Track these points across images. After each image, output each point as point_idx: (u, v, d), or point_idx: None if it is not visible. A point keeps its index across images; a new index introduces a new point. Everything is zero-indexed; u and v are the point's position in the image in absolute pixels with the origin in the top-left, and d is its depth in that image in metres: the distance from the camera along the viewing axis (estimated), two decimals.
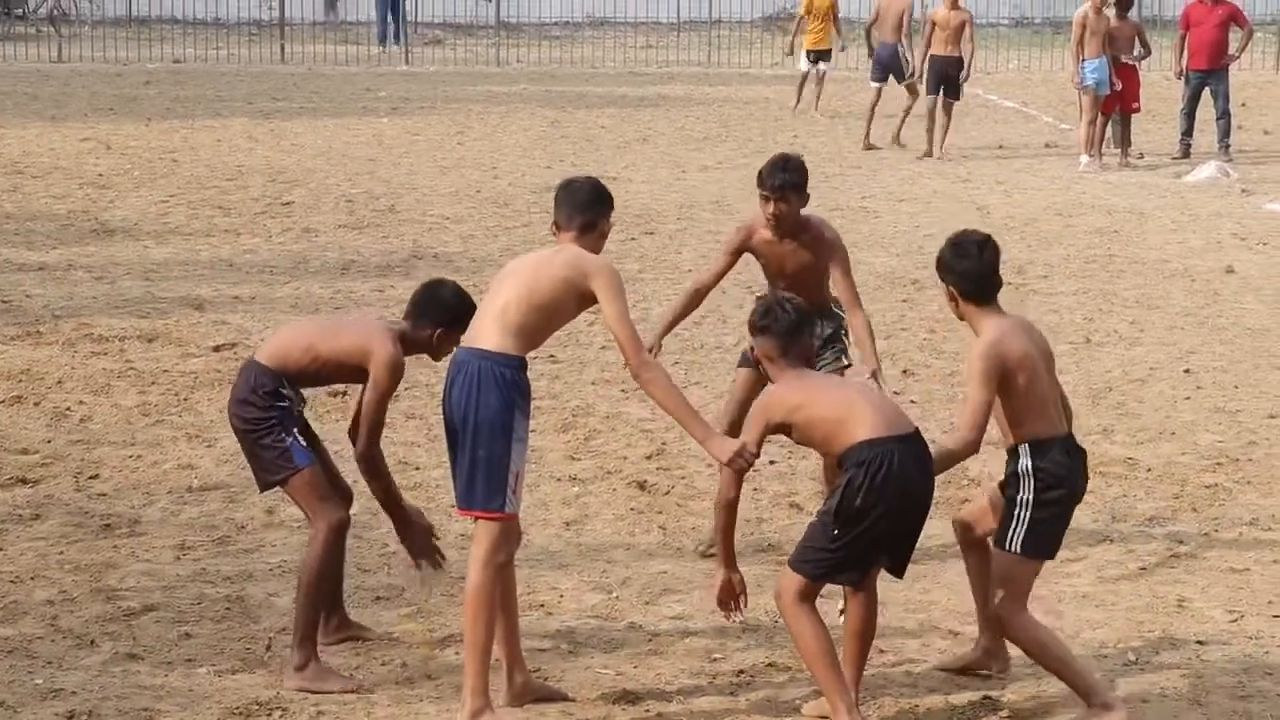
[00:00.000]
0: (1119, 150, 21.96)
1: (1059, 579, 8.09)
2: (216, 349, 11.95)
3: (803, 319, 6.66)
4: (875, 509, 6.31)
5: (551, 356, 11.85)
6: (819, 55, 25.94)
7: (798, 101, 26.35)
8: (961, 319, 6.72)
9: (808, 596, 6.42)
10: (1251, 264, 15.36)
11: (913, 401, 11.05)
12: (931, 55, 22.32)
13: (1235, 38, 22.69)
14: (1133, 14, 23.32)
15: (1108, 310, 13.44)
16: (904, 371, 11.73)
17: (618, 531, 8.62)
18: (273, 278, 14.50)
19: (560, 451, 9.98)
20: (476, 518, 6.59)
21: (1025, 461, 6.53)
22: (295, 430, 7.03)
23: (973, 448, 6.56)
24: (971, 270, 6.60)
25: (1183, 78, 22.40)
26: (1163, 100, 25.38)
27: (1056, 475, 6.52)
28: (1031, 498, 6.52)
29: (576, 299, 6.58)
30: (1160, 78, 26.68)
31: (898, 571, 6.62)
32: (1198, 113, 22.28)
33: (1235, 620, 7.59)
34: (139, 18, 37.90)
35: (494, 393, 6.46)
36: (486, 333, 6.53)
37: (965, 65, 22.34)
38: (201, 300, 13.49)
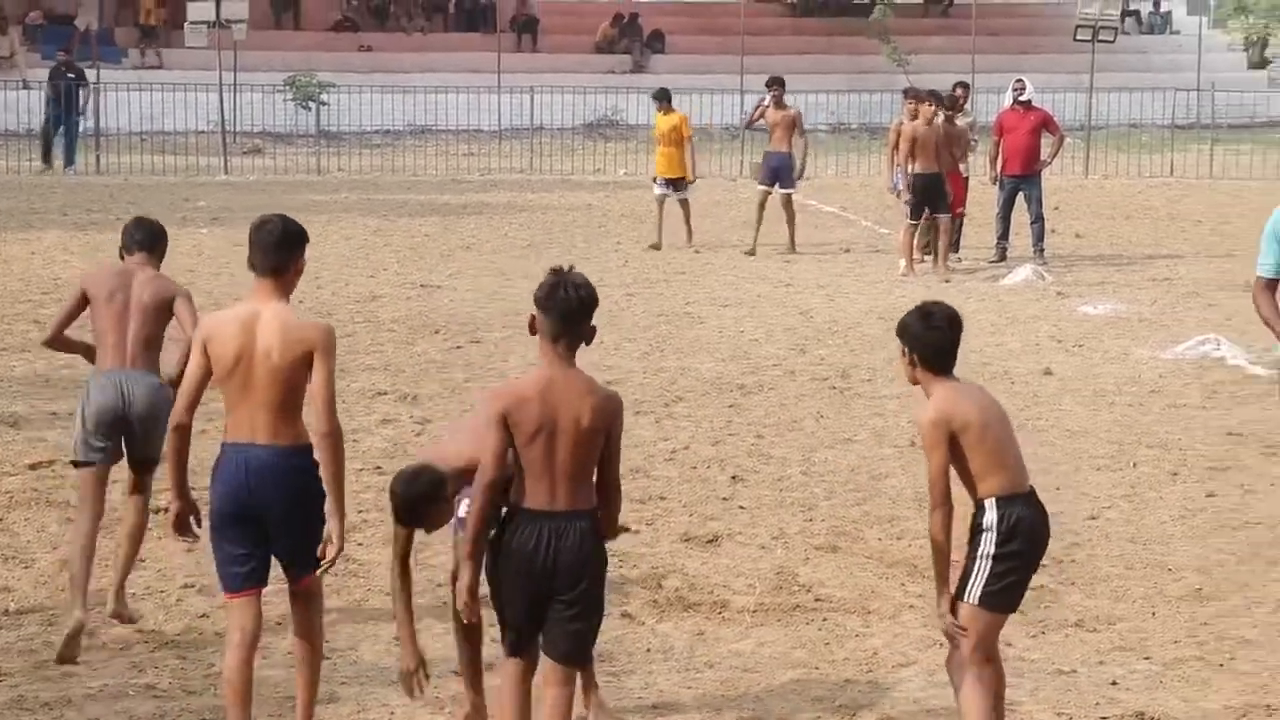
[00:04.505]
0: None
1: (890, 685, 8.12)
2: (33, 467, 11.68)
3: (585, 302, 6.45)
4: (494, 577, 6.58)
5: (378, 468, 11.74)
6: (669, 182, 24.08)
7: (658, 235, 23.85)
8: (915, 383, 6.90)
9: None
10: (1068, 366, 15.62)
11: (742, 507, 11.06)
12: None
13: (1047, 144, 23.18)
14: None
15: None
16: (733, 478, 11.74)
17: (449, 645, 8.49)
18: None
19: (388, 564, 9.81)
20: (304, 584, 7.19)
21: (989, 516, 6.71)
22: None
23: (937, 519, 6.71)
24: (936, 341, 6.78)
25: (997, 183, 22.81)
26: (978, 205, 25.75)
27: (1017, 529, 6.72)
28: (992, 550, 6.70)
29: (306, 368, 6.95)
30: (976, 183, 27.15)
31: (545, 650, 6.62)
32: (1012, 217, 22.69)
33: None
34: None
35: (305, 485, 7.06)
36: (273, 427, 6.98)
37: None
38: (17, 417, 13.19)
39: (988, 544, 6.70)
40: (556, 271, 6.50)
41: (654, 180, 24.56)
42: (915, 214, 21.21)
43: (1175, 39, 53.20)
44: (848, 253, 23.62)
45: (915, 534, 10.45)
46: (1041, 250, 22.43)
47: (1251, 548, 10.20)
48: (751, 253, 22.87)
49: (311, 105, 40.12)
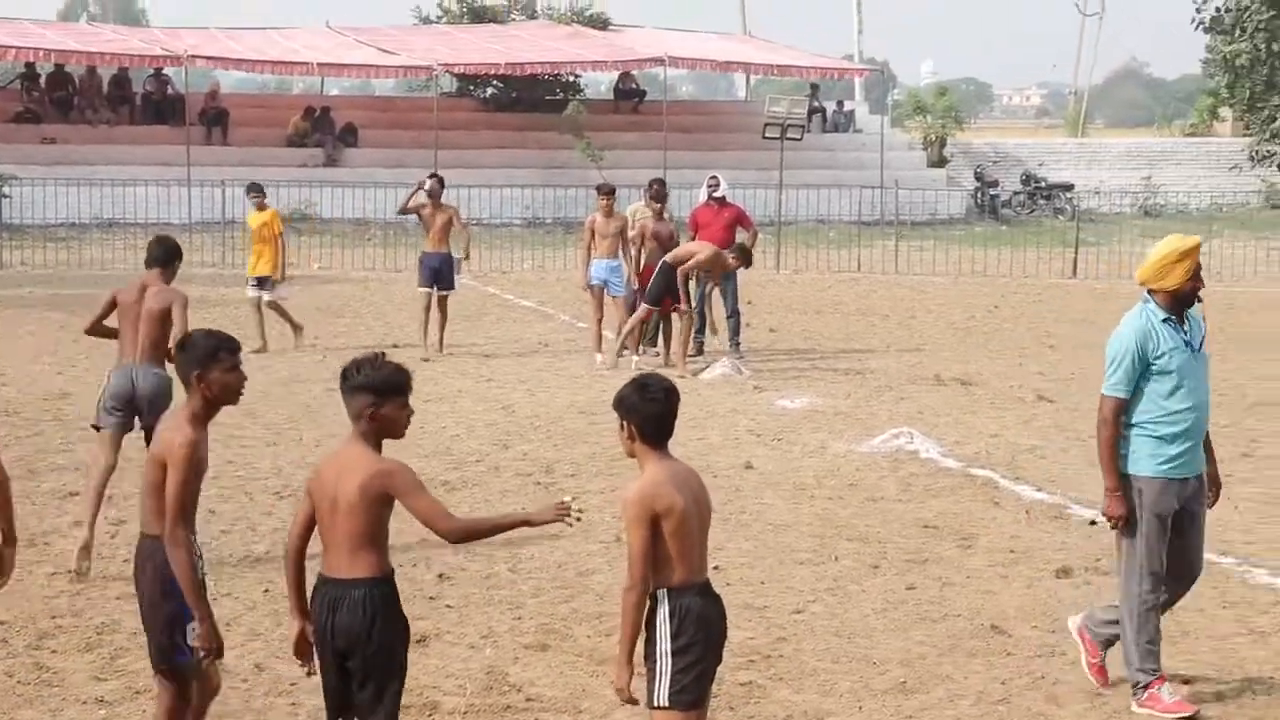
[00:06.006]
0: (648, 347, 22.44)
1: None
2: None
3: (360, 385, 6.86)
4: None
5: (72, 572, 11.38)
6: (259, 281, 23.28)
7: (260, 337, 22.83)
8: (631, 455, 6.91)
9: None
10: (769, 459, 15.80)
11: (449, 606, 10.94)
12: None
13: (741, 238, 23.52)
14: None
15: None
16: (440, 576, 11.61)
17: None
18: None
19: (85, 672, 9.52)
20: None
21: (662, 609, 6.72)
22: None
23: (636, 596, 6.72)
24: (654, 414, 6.81)
25: (693, 278, 23.04)
26: None
27: (686, 619, 6.73)
28: (669, 647, 6.71)
29: None
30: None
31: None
32: (708, 311, 22.95)
33: None
34: None
35: None
36: None
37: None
38: None
39: (663, 640, 6.73)
40: (364, 356, 6.96)
41: (247, 281, 23.71)
42: (656, 300, 21.35)
43: (859, 137, 54.60)
44: (546, 347, 23.68)
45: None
46: (738, 344, 22.73)
47: (951, 639, 10.37)
48: (427, 358, 21.94)
49: None
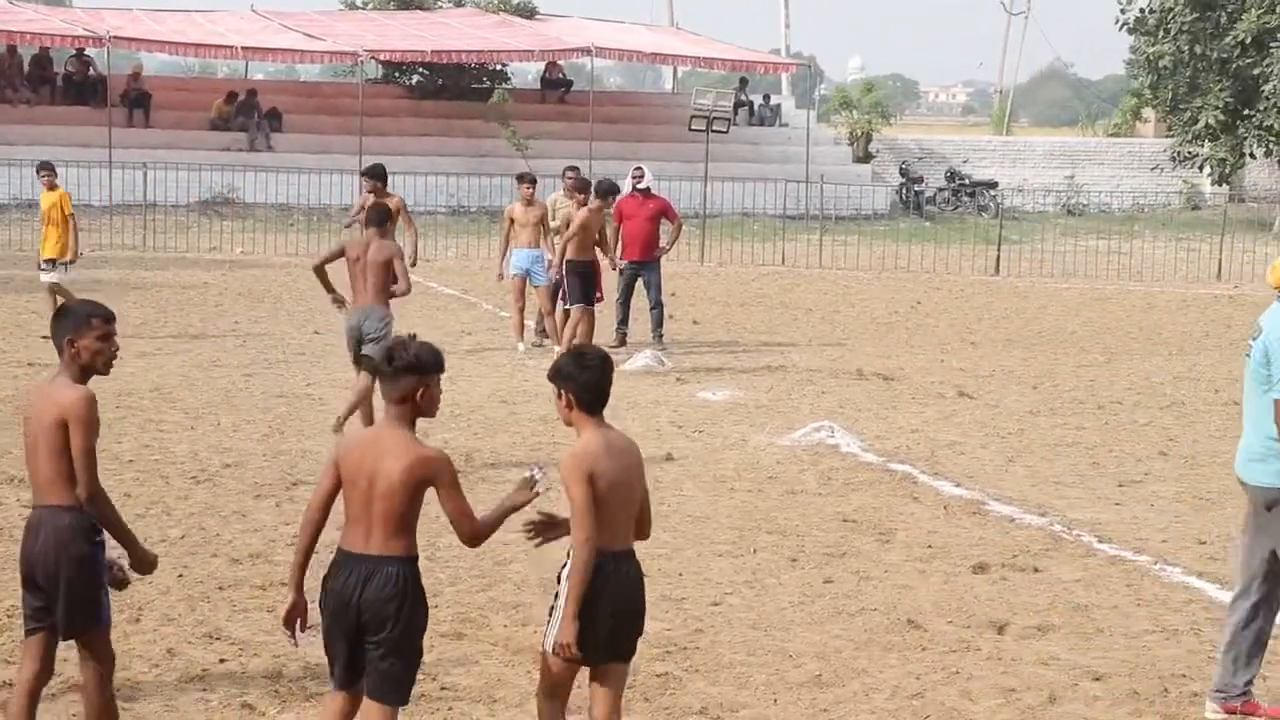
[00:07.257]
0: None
1: None
2: None
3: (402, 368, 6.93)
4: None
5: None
6: (50, 262, 22.29)
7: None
8: (570, 424, 7.15)
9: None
10: (689, 451, 15.79)
11: None
12: None
13: (665, 231, 23.53)
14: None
15: (558, 499, 13.49)
16: None
17: None
18: None
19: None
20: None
21: (569, 565, 7.01)
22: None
23: (589, 550, 6.95)
24: (590, 381, 7.09)
25: (618, 269, 23.04)
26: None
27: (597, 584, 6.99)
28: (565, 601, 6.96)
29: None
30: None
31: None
32: (632, 302, 22.93)
33: None
34: None
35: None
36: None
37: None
38: None
39: (565, 595, 6.97)
40: (396, 338, 7.13)
41: (39, 266, 22.77)
42: (586, 299, 20.85)
43: (785, 131, 54.63)
44: (468, 335, 23.60)
45: (540, 620, 10.40)
46: (661, 336, 22.71)
47: (868, 634, 10.39)
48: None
49: None
